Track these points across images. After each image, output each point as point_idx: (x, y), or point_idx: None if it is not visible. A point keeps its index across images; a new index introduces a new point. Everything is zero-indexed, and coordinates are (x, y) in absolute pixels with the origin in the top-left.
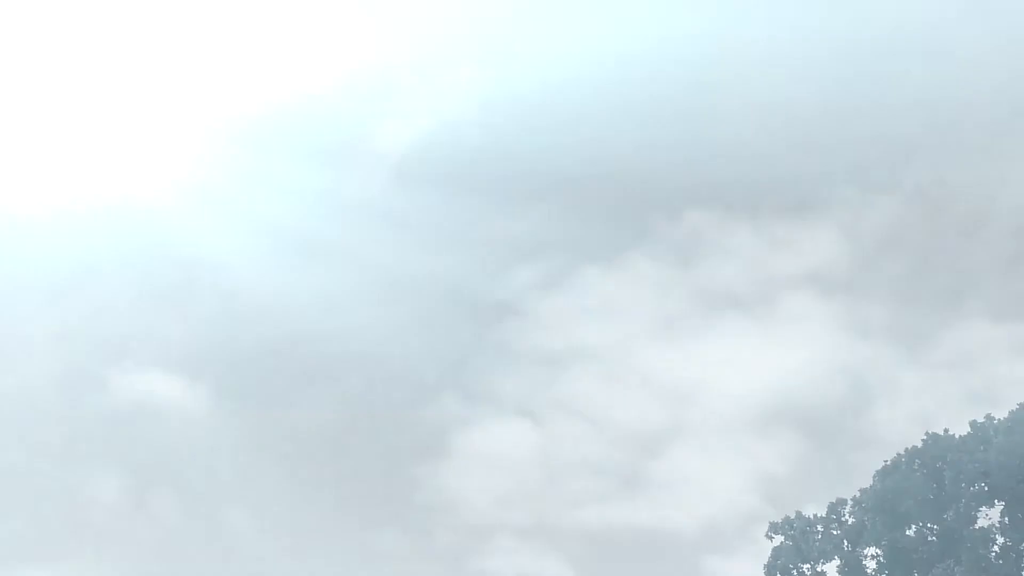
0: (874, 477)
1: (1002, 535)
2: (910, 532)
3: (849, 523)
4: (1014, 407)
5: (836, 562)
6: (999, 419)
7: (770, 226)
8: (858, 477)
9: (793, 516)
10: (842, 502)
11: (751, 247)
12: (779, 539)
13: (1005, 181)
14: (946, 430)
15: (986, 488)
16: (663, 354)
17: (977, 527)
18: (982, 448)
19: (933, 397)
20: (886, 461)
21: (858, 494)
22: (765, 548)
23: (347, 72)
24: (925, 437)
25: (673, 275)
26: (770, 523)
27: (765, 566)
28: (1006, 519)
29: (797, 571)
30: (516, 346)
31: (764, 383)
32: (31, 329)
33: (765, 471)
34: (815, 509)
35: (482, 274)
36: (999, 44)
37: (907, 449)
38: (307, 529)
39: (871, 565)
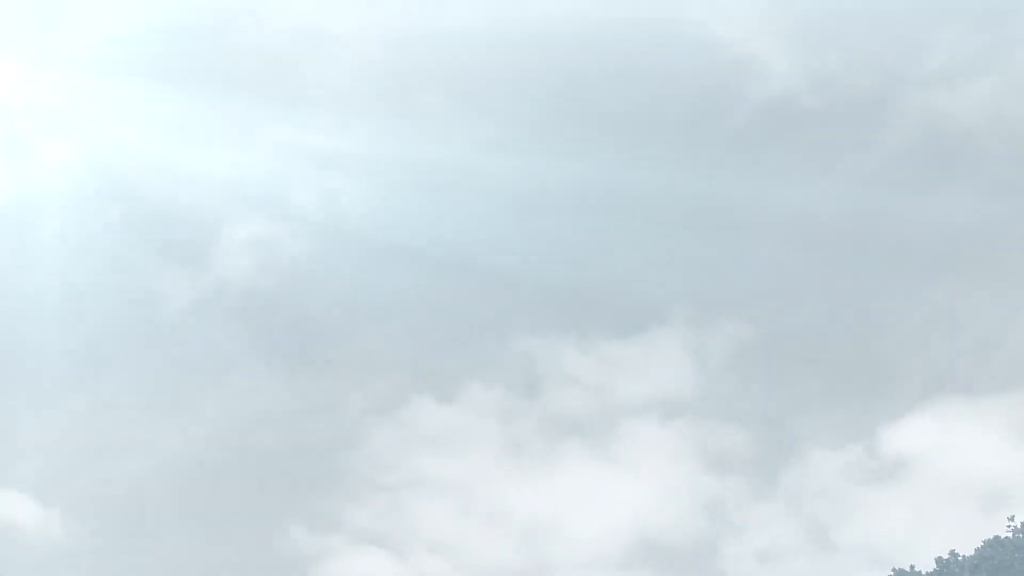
0: None
1: None
2: None
3: None
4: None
5: None
6: (964, 556)
7: (604, 348)
8: None
9: None
10: None
11: (588, 372)
12: None
13: (833, 316)
14: (912, 567)
15: None
16: (513, 487)
17: None
18: None
19: (778, 530)
20: None
21: None
22: None
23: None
24: (892, 573)
25: (514, 404)
26: None
27: None
28: None
29: None
30: (356, 476)
31: (617, 517)
32: None
33: None
34: None
35: (313, 405)
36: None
37: None
38: None
39: None
